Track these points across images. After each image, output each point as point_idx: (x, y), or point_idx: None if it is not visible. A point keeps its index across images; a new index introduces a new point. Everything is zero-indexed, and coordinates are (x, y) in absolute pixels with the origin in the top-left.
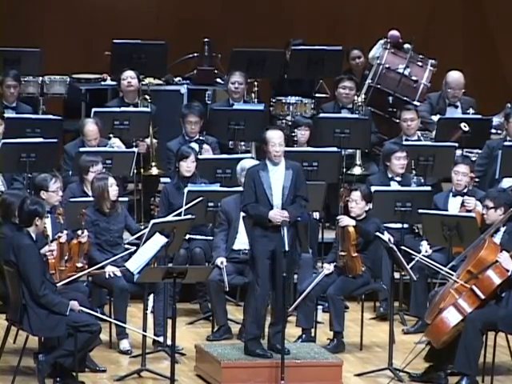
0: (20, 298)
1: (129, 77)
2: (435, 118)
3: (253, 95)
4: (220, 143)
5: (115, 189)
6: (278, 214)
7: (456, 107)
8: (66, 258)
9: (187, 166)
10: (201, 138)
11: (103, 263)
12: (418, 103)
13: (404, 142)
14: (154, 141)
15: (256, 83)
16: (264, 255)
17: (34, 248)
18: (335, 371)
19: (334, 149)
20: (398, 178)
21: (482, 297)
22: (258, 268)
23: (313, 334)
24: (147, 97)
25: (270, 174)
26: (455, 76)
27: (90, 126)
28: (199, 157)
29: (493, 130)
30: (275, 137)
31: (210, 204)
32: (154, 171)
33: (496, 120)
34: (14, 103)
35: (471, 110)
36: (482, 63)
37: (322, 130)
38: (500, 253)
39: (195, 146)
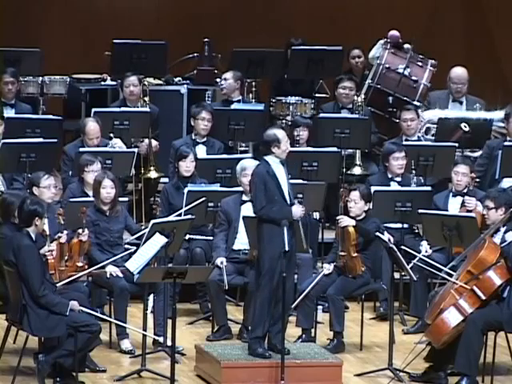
0: (20, 298)
1: (131, 85)
2: (431, 115)
3: (251, 95)
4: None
5: (108, 191)
6: (298, 210)
7: (460, 103)
8: (65, 258)
9: (186, 166)
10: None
11: (103, 263)
12: (418, 103)
13: (404, 142)
14: (156, 143)
15: (255, 83)
16: (276, 256)
17: (34, 248)
18: (335, 371)
19: (334, 149)
20: (398, 179)
21: (483, 297)
22: (267, 268)
23: (313, 334)
24: (146, 99)
25: (278, 173)
26: (458, 71)
27: (92, 125)
28: (198, 157)
29: (500, 124)
30: (285, 135)
31: (210, 204)
32: (153, 175)
33: (497, 118)
34: (13, 100)
35: (478, 105)
36: (482, 63)
37: (322, 129)
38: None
39: (202, 148)
